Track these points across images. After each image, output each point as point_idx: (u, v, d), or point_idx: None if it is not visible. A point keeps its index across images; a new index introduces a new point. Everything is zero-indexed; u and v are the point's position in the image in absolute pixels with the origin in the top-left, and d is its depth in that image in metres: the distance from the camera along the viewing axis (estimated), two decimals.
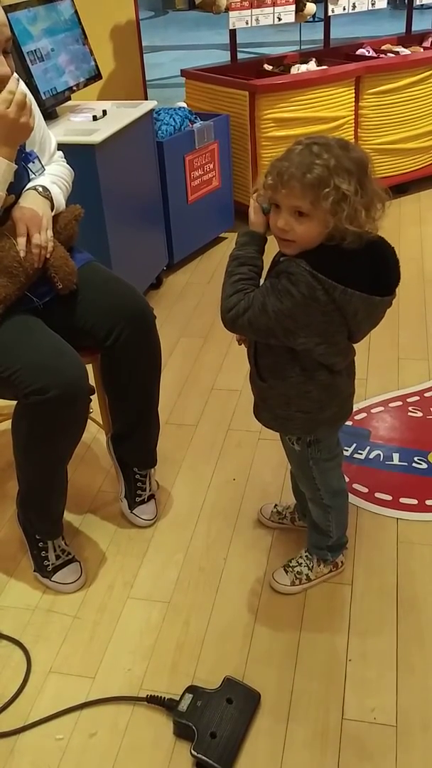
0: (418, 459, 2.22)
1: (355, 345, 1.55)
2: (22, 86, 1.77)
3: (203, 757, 1.43)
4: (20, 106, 1.59)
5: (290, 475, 1.88)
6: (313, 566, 1.80)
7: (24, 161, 1.73)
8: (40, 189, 1.75)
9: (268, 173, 1.36)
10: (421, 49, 4.38)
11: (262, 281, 1.47)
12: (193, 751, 1.44)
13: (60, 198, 1.81)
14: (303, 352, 1.46)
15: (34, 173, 1.77)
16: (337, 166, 1.29)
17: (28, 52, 2.71)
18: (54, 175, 1.84)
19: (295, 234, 1.35)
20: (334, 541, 1.78)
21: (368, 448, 2.28)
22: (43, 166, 1.81)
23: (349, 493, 2.08)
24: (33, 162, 1.76)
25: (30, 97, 1.82)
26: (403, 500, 2.07)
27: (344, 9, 4.05)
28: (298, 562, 1.81)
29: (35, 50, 2.75)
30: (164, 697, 1.55)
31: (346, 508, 1.78)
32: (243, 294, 1.43)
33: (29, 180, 1.77)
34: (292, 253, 1.38)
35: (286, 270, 1.36)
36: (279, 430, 1.66)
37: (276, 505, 2.02)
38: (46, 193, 1.75)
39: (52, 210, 1.76)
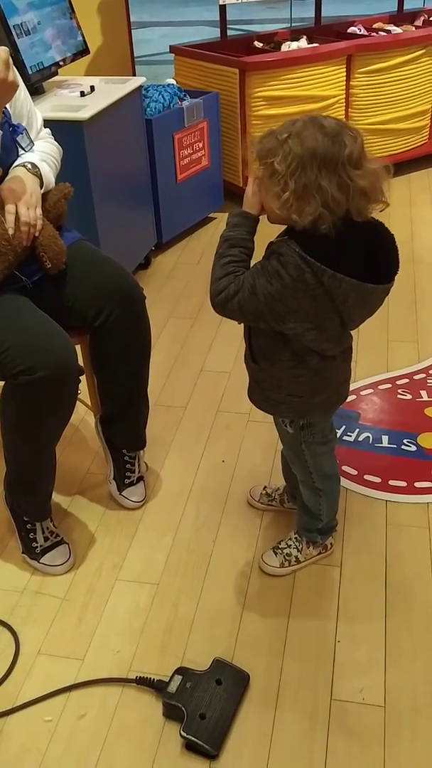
0: (407, 441, 2.22)
1: (350, 337, 1.53)
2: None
3: (193, 738, 1.43)
4: (5, 64, 1.54)
5: (280, 456, 1.87)
6: (302, 548, 1.80)
7: (12, 134, 1.70)
8: (29, 166, 1.71)
9: (250, 142, 1.38)
10: (413, 28, 4.34)
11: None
12: (182, 732, 1.44)
13: (49, 176, 1.78)
14: (294, 337, 1.44)
15: (23, 148, 1.74)
16: (287, 143, 1.27)
17: (13, 26, 2.65)
18: (43, 152, 1.80)
19: (264, 202, 1.39)
20: (324, 524, 1.78)
21: (357, 430, 2.28)
22: (32, 141, 1.78)
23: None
24: (21, 135, 1.72)
25: (16, 73, 1.78)
26: (392, 482, 2.07)
27: None
28: (287, 543, 1.81)
29: (21, 24, 2.69)
30: (153, 679, 1.55)
31: (338, 492, 1.78)
32: (233, 276, 1.41)
33: (18, 155, 1.74)
34: (273, 223, 1.39)
35: (277, 251, 1.35)
36: (271, 412, 1.65)
37: (265, 487, 2.01)
38: (35, 170, 1.72)
39: (41, 188, 1.73)
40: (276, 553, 1.81)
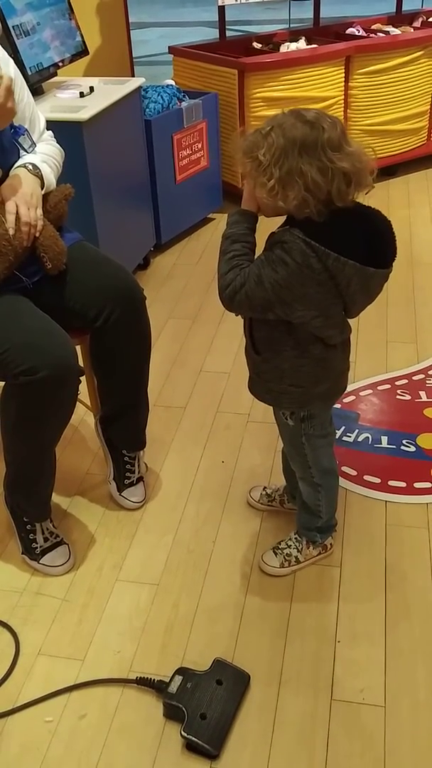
0: (407, 442, 2.22)
1: (350, 328, 1.54)
2: (10, 68, 1.74)
3: (193, 739, 1.43)
4: (7, 91, 1.57)
5: (281, 455, 1.87)
6: (302, 548, 1.80)
7: (14, 135, 1.70)
8: (30, 167, 1.72)
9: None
10: (412, 29, 4.34)
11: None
12: (183, 733, 1.44)
13: (50, 177, 1.79)
14: (299, 326, 1.46)
15: (25, 149, 1.74)
16: (269, 136, 1.32)
17: (13, 27, 2.65)
18: (44, 154, 1.81)
19: (251, 193, 1.43)
20: (324, 522, 1.78)
21: (357, 430, 2.28)
22: (34, 143, 1.78)
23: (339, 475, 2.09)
24: (23, 136, 1.72)
25: (19, 76, 1.79)
26: (391, 483, 2.08)
27: None
28: (287, 544, 1.82)
29: (19, 24, 2.69)
30: (154, 679, 1.55)
31: (336, 488, 1.79)
32: (239, 269, 1.43)
33: (19, 155, 1.74)
34: (267, 216, 1.42)
35: (279, 239, 1.37)
36: (272, 404, 1.66)
37: (265, 487, 2.02)
38: (36, 171, 1.72)
39: (42, 188, 1.74)
40: (276, 554, 1.81)
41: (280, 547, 1.82)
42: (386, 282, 1.45)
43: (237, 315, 1.53)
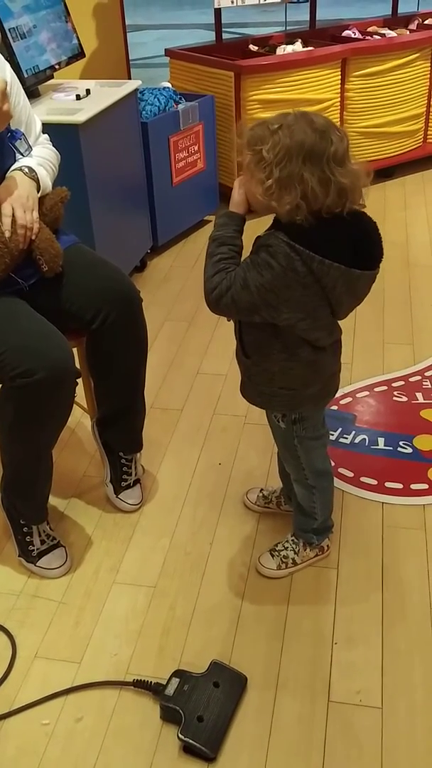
0: (403, 443, 2.23)
1: (340, 330, 1.55)
2: (6, 72, 1.74)
3: (190, 741, 1.43)
4: (2, 94, 1.57)
5: (277, 458, 1.88)
6: (299, 550, 1.80)
7: (10, 140, 1.70)
8: (26, 170, 1.72)
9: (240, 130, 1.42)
10: (407, 32, 4.35)
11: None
12: (180, 735, 1.44)
13: (46, 180, 1.79)
14: (286, 329, 1.46)
15: (21, 153, 1.74)
16: (277, 134, 1.31)
17: (9, 29, 2.65)
18: (40, 158, 1.81)
19: (243, 184, 1.42)
20: (320, 523, 1.78)
21: (353, 432, 2.28)
22: (30, 146, 1.78)
23: (335, 478, 2.09)
24: (20, 140, 1.73)
25: (15, 80, 1.79)
26: (388, 484, 2.08)
27: None
28: (284, 546, 1.82)
29: (16, 27, 2.70)
30: (151, 682, 1.55)
31: (331, 490, 1.79)
32: (225, 273, 1.43)
33: (15, 159, 1.74)
34: (255, 210, 1.42)
35: (264, 243, 1.38)
36: (263, 406, 1.66)
37: (262, 489, 2.02)
38: (32, 174, 1.72)
39: (38, 191, 1.74)
40: (273, 556, 1.81)
41: (277, 549, 1.82)
42: (374, 283, 1.45)
43: (225, 318, 1.53)
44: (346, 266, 1.36)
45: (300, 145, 1.30)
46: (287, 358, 1.51)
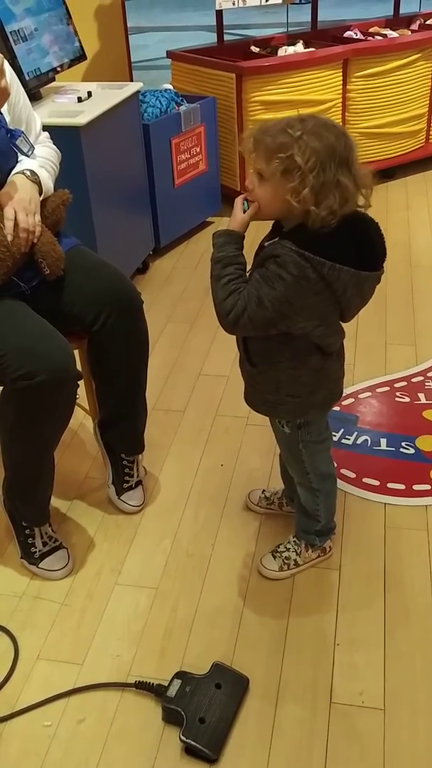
0: (406, 444, 2.22)
1: (344, 328, 1.55)
2: (7, 73, 1.74)
3: (192, 743, 1.43)
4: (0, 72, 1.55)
5: (279, 459, 1.87)
6: (301, 551, 1.80)
7: (10, 140, 1.70)
8: (28, 173, 1.72)
9: (248, 137, 1.40)
10: (409, 32, 4.35)
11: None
12: (182, 737, 1.44)
13: (48, 182, 1.79)
14: (296, 338, 1.46)
15: (23, 152, 1.74)
16: (302, 139, 1.30)
17: (11, 32, 2.66)
18: (42, 158, 1.82)
19: (256, 195, 1.39)
20: (323, 525, 1.78)
21: (356, 433, 2.28)
22: (32, 146, 1.78)
23: (337, 478, 2.09)
24: (20, 138, 1.73)
25: (15, 79, 1.79)
26: (390, 485, 2.08)
27: None
28: (286, 547, 1.81)
29: (18, 30, 2.70)
30: (153, 683, 1.55)
31: (335, 492, 1.79)
32: (237, 294, 1.42)
33: (17, 160, 1.74)
34: (260, 219, 1.41)
35: (272, 253, 1.36)
36: (269, 414, 1.66)
37: (264, 490, 2.02)
38: (34, 177, 1.73)
39: (40, 194, 1.74)
40: (275, 557, 1.81)
41: (278, 550, 1.82)
42: (379, 284, 1.45)
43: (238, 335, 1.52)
44: (355, 269, 1.36)
45: (331, 150, 1.30)
46: (296, 366, 1.51)
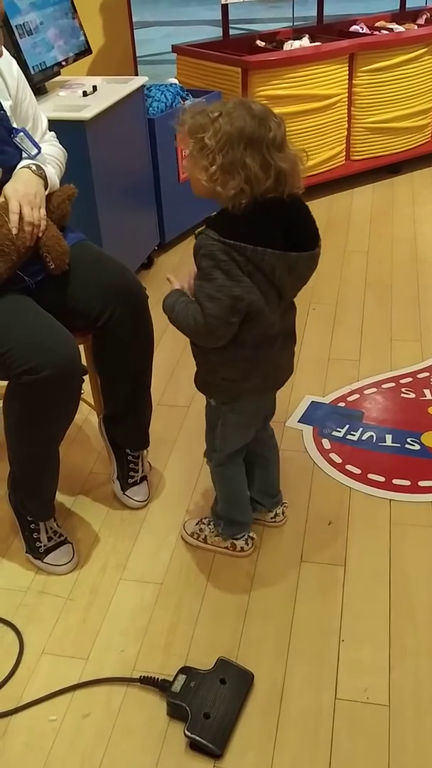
0: (411, 440, 2.22)
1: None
2: (13, 69, 1.74)
3: (197, 738, 1.43)
4: None
5: (272, 468, 1.89)
6: (211, 530, 1.86)
7: (12, 137, 1.70)
8: (34, 167, 1.72)
9: (177, 117, 1.45)
10: (416, 26, 4.33)
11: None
12: (186, 732, 1.44)
13: (54, 178, 1.79)
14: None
15: (28, 152, 1.74)
16: (217, 121, 1.35)
17: (16, 26, 2.65)
18: (48, 155, 1.81)
19: (187, 172, 1.47)
20: (221, 510, 1.82)
21: (361, 429, 2.28)
22: (37, 145, 1.78)
23: (342, 474, 2.09)
24: (21, 134, 1.73)
25: (21, 76, 1.79)
26: (396, 481, 2.07)
27: None
28: (206, 521, 1.87)
29: (23, 24, 2.70)
30: (157, 678, 1.55)
31: (235, 487, 1.80)
32: (192, 305, 1.48)
33: (21, 157, 1.74)
34: (197, 195, 1.45)
35: (198, 247, 1.43)
36: (205, 394, 1.69)
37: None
38: (39, 172, 1.72)
39: (45, 189, 1.74)
40: (196, 523, 1.88)
41: (203, 519, 1.88)
42: (316, 264, 1.47)
43: (224, 341, 1.52)
44: (281, 250, 1.40)
45: (240, 132, 1.34)
46: (231, 349, 1.53)
